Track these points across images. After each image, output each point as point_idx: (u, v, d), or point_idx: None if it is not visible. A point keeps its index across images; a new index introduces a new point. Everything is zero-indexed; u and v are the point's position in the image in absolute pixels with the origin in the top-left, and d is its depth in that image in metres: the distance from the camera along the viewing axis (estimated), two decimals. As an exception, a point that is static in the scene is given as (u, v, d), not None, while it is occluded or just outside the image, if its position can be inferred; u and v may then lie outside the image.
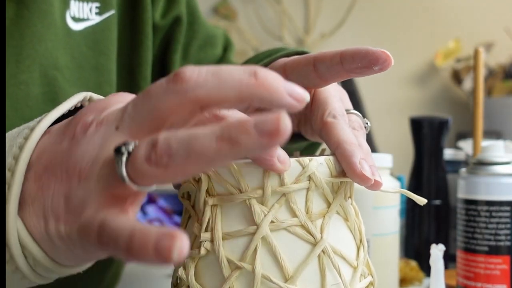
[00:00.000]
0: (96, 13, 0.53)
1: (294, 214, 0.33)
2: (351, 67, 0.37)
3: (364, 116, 0.41)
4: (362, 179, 0.33)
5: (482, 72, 0.74)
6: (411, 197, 0.37)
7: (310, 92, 0.41)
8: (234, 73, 0.26)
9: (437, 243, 0.51)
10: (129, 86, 0.59)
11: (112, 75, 0.56)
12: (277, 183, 0.33)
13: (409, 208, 0.82)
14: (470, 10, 1.60)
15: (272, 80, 0.26)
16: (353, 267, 0.35)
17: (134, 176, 0.26)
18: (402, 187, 0.87)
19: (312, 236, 0.33)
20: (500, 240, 0.58)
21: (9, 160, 0.30)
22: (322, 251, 0.33)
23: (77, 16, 0.51)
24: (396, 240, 0.63)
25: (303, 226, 0.33)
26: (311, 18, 1.59)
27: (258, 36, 1.58)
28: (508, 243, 0.58)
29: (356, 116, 0.40)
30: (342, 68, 0.37)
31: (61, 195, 0.28)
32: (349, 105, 0.43)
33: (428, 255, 0.52)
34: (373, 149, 1.43)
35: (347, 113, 0.39)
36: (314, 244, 0.33)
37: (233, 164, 0.33)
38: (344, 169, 0.34)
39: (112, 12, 0.54)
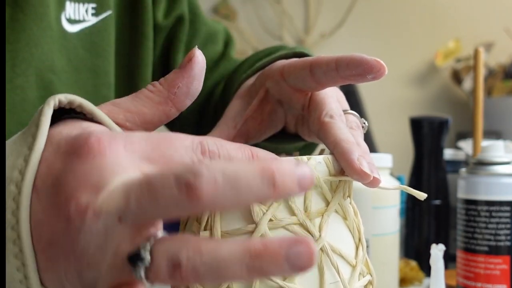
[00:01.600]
0: (93, 14, 0.52)
1: (292, 213, 0.33)
2: (346, 74, 0.37)
3: (363, 116, 0.42)
4: (361, 176, 0.34)
5: (482, 72, 0.74)
6: (411, 193, 0.37)
7: (306, 95, 0.41)
8: (253, 184, 0.23)
9: (437, 243, 0.51)
10: (128, 88, 0.58)
11: (110, 77, 0.55)
12: None
13: (409, 208, 0.82)
14: (470, 10, 1.60)
15: (290, 186, 0.23)
16: (351, 266, 0.35)
17: (152, 280, 0.25)
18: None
19: (310, 234, 0.33)
20: (500, 240, 0.58)
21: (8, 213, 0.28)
22: (321, 249, 0.33)
23: (72, 17, 0.51)
24: (396, 240, 0.63)
25: (301, 225, 0.33)
26: (311, 18, 1.58)
27: (258, 36, 1.58)
28: (508, 243, 0.58)
29: (353, 116, 0.40)
30: (338, 74, 0.38)
31: (74, 271, 0.27)
32: (346, 106, 0.43)
33: (428, 255, 0.52)
34: (373, 149, 1.42)
35: (344, 113, 0.40)
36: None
37: None
38: (343, 167, 0.35)
39: (109, 12, 0.54)
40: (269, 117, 0.45)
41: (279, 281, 0.32)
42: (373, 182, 0.34)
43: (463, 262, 0.60)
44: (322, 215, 0.34)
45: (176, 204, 0.23)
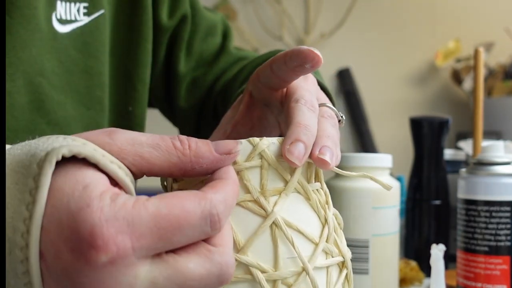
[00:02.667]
0: (84, 14, 0.51)
1: (247, 191, 0.34)
2: (292, 65, 0.39)
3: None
4: (287, 161, 0.34)
5: (482, 72, 0.74)
6: (377, 182, 0.38)
7: (282, 92, 0.43)
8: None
9: (437, 243, 0.51)
10: (125, 89, 0.58)
11: (104, 78, 0.54)
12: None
13: (409, 208, 0.82)
14: (470, 10, 1.60)
15: None
16: (314, 244, 0.35)
17: None
18: (402, 187, 0.87)
19: (263, 210, 0.34)
20: (500, 240, 0.58)
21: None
22: (274, 223, 0.34)
23: (63, 17, 0.49)
24: (396, 240, 0.63)
25: (255, 201, 0.34)
26: (311, 18, 1.58)
27: (258, 36, 1.58)
28: (508, 243, 0.58)
29: (328, 108, 0.41)
30: (287, 67, 0.39)
31: None
32: (326, 101, 0.43)
33: (428, 255, 0.52)
34: (373, 149, 1.42)
35: (320, 106, 0.40)
36: (266, 217, 0.34)
37: None
38: None
39: (101, 12, 0.53)
40: (259, 122, 0.46)
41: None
42: (321, 164, 0.35)
43: (463, 262, 0.60)
44: (280, 194, 0.35)
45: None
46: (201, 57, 0.66)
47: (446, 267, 0.58)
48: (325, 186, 0.38)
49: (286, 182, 0.35)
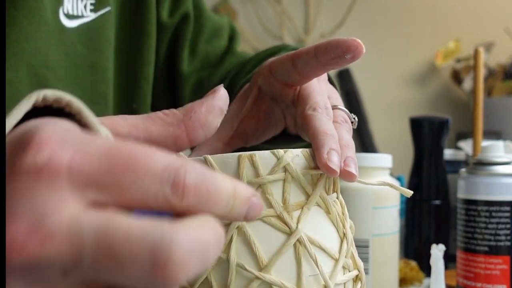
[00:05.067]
0: (91, 10, 0.52)
1: (270, 205, 0.33)
2: (325, 58, 0.38)
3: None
4: (328, 170, 0.34)
5: (482, 72, 0.74)
6: (397, 190, 0.37)
7: (295, 90, 0.42)
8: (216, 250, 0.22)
9: (437, 243, 0.51)
10: (129, 85, 0.58)
11: (108, 73, 0.55)
12: (252, 175, 0.33)
13: (409, 208, 0.82)
14: (470, 10, 1.60)
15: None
16: (334, 259, 0.35)
17: None
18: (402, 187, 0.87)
19: (287, 226, 0.33)
20: (500, 240, 0.58)
21: None
22: (298, 241, 0.33)
23: (70, 13, 0.50)
24: (396, 240, 0.63)
25: (278, 217, 0.33)
26: (311, 18, 1.58)
27: (258, 36, 1.58)
28: (508, 243, 0.58)
29: (341, 111, 0.41)
30: (317, 62, 0.38)
31: None
32: (338, 102, 0.43)
33: (428, 255, 0.52)
34: (373, 149, 1.43)
35: (333, 109, 0.40)
36: (290, 234, 0.33)
37: (208, 157, 0.33)
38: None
39: (107, 9, 0.53)
40: (265, 116, 0.45)
41: (255, 271, 0.32)
42: (348, 177, 0.34)
43: (463, 262, 0.60)
44: (302, 208, 0.34)
45: (144, 281, 0.20)
46: (206, 58, 0.66)
47: (446, 267, 0.58)
48: (340, 196, 0.38)
49: (307, 195, 0.35)
